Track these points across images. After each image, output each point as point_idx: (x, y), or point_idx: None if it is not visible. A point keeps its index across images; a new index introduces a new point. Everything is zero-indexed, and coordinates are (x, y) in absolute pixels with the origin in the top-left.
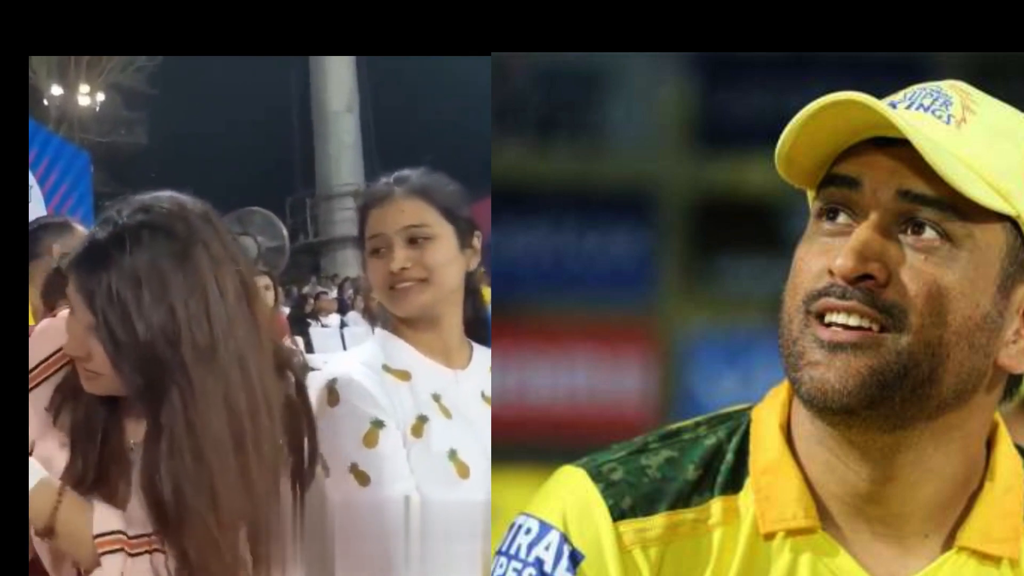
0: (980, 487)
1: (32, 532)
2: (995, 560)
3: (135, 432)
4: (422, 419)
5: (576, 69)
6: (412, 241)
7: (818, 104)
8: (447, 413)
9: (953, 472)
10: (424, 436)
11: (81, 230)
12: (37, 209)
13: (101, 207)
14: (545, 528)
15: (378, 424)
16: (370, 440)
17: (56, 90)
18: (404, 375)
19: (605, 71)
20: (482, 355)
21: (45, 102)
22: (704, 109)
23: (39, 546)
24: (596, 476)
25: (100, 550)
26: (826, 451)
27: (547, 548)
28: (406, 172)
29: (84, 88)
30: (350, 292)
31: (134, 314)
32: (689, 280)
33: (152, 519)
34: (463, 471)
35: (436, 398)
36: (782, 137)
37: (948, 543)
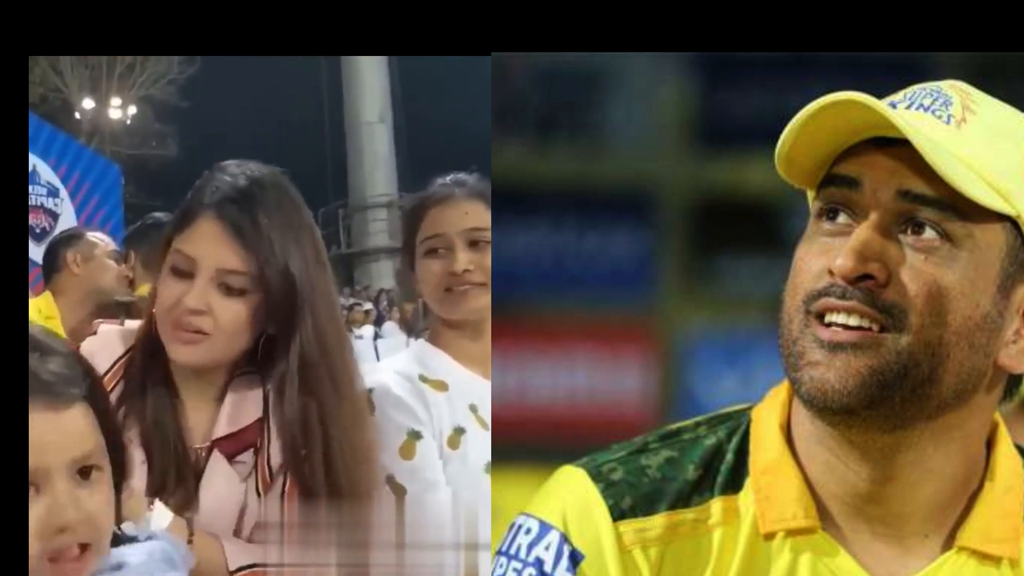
0: (980, 487)
1: None
2: (995, 560)
3: (198, 434)
4: (459, 431)
5: (576, 69)
6: (473, 244)
7: (818, 104)
8: (484, 425)
9: (953, 472)
10: (461, 448)
11: (91, 236)
12: (68, 222)
13: (131, 220)
14: (545, 528)
15: (415, 435)
16: (406, 451)
17: (88, 103)
18: (441, 385)
19: (605, 71)
20: None
21: (77, 115)
22: (704, 109)
23: None
24: (596, 476)
25: None
26: (826, 451)
27: (547, 548)
28: (462, 176)
29: (116, 101)
30: (384, 303)
31: (283, 243)
32: (689, 280)
33: (283, 446)
34: None
35: (473, 409)
36: (782, 137)
37: (948, 543)
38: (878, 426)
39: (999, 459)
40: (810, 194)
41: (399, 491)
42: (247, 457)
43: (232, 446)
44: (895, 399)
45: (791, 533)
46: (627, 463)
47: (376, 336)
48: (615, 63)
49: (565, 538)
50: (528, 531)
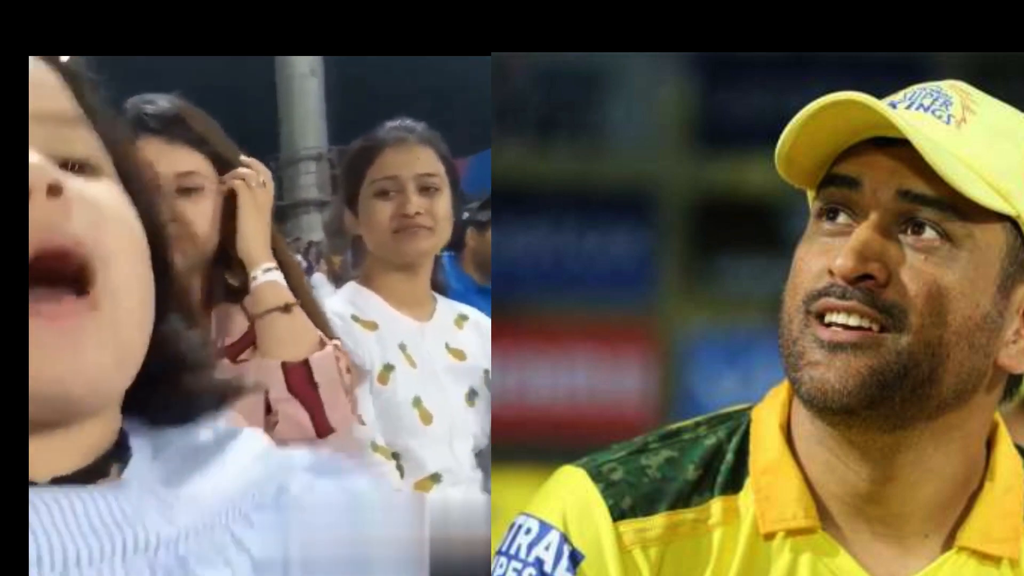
0: (980, 487)
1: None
2: (995, 560)
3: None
4: (388, 367)
5: (576, 69)
6: (424, 189)
7: (818, 104)
8: (412, 362)
9: (953, 472)
10: (390, 384)
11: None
12: None
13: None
14: (545, 528)
15: None
16: None
17: None
18: (372, 325)
19: (605, 71)
20: (445, 308)
21: None
22: (704, 109)
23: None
24: (596, 476)
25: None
26: (826, 451)
27: (547, 548)
28: (410, 122)
29: None
30: (313, 255)
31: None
32: (689, 280)
33: None
34: (426, 418)
35: (402, 348)
36: (782, 137)
37: (948, 543)
38: (878, 426)
39: (999, 459)
40: (810, 194)
41: None
42: (247, 355)
43: (232, 354)
44: (895, 399)
45: (791, 533)
46: (627, 463)
47: None
48: (615, 63)
49: (565, 538)
50: (528, 531)
